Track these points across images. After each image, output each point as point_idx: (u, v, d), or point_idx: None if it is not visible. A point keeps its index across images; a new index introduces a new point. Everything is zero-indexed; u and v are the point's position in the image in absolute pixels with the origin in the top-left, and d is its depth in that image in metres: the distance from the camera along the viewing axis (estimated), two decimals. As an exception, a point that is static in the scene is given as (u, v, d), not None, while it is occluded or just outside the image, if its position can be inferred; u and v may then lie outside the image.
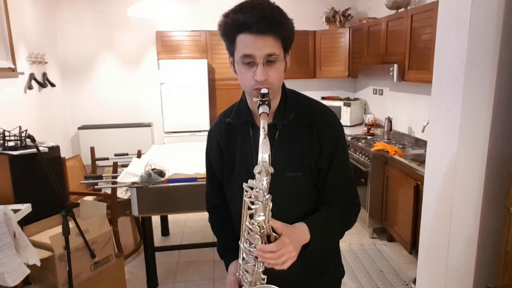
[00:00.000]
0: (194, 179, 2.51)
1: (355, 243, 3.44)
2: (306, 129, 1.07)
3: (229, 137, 1.14)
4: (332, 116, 1.11)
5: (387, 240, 3.47)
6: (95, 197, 3.29)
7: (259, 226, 0.93)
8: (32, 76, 3.90)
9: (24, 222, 2.29)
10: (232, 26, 0.97)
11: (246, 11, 0.93)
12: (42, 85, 4.14)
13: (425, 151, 1.83)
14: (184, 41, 4.80)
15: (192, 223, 3.99)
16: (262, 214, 0.92)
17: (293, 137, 1.07)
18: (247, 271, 1.01)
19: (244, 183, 0.94)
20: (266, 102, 0.95)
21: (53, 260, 2.15)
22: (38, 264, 2.03)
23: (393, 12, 3.73)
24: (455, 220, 1.61)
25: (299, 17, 5.17)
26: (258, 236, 0.94)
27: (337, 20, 4.82)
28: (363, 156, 3.58)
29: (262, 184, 0.91)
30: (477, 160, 1.55)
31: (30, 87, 3.84)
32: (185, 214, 4.16)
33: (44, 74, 4.23)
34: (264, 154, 0.91)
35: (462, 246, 1.62)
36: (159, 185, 2.48)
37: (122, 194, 3.37)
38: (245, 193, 0.95)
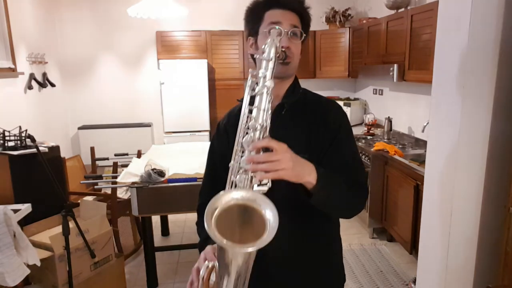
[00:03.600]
0: (194, 179, 2.51)
1: (355, 243, 3.44)
2: (312, 113, 1.10)
3: (236, 123, 1.06)
4: (337, 105, 1.15)
5: (387, 240, 3.47)
6: (95, 197, 3.29)
7: (258, 121, 0.86)
8: (32, 76, 3.90)
9: (24, 222, 2.29)
10: (263, 5, 1.07)
11: None
12: (42, 85, 4.14)
13: (425, 151, 1.83)
14: (184, 41, 4.80)
15: (192, 223, 3.99)
16: (263, 104, 0.87)
17: (300, 119, 1.09)
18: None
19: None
20: (284, 56, 1.00)
21: (53, 260, 2.15)
22: (38, 264, 2.03)
23: (393, 12, 3.72)
24: (455, 220, 1.61)
25: (299, 17, 5.17)
26: (254, 134, 0.85)
27: (337, 20, 4.82)
28: (363, 156, 3.58)
29: (269, 65, 0.90)
30: (477, 160, 1.55)
31: (30, 87, 3.84)
32: (185, 214, 4.15)
33: (44, 74, 4.23)
34: (273, 36, 0.94)
35: (462, 246, 1.62)
36: (159, 185, 2.48)
37: (122, 194, 3.37)
38: (249, 77, 0.93)
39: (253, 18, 1.09)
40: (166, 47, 4.80)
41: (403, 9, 3.63)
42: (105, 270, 2.44)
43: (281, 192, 0.87)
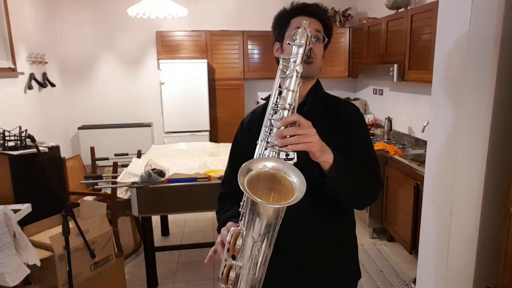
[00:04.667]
0: (194, 179, 2.51)
1: (355, 243, 3.44)
2: (332, 112, 1.17)
3: (260, 120, 1.12)
4: (354, 106, 1.23)
5: (387, 240, 3.47)
6: (95, 197, 3.29)
7: (288, 101, 0.91)
8: (32, 76, 3.90)
9: (24, 222, 2.29)
10: (290, 10, 1.16)
11: (302, 3, 1.17)
12: (42, 85, 4.14)
13: (425, 151, 1.83)
14: (184, 41, 4.80)
15: (192, 223, 3.99)
16: (292, 86, 0.93)
17: (321, 116, 1.14)
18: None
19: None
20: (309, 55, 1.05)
21: (53, 260, 2.15)
22: (38, 264, 2.03)
23: (393, 12, 3.73)
24: (455, 220, 1.61)
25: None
26: (284, 112, 0.91)
27: (337, 20, 4.82)
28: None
29: (299, 51, 0.95)
30: (477, 160, 1.55)
31: (30, 87, 3.84)
32: (185, 214, 4.16)
33: (44, 74, 4.23)
34: (305, 24, 0.98)
35: (462, 246, 1.62)
36: (159, 185, 2.48)
37: (122, 194, 3.36)
38: (281, 62, 1.00)
39: (280, 24, 1.17)
40: (166, 47, 4.80)
41: (403, 9, 3.63)
42: (105, 270, 2.44)
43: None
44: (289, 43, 1.01)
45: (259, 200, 0.81)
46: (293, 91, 0.92)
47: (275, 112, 0.94)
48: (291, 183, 0.85)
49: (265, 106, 1.16)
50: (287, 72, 0.94)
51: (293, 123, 0.90)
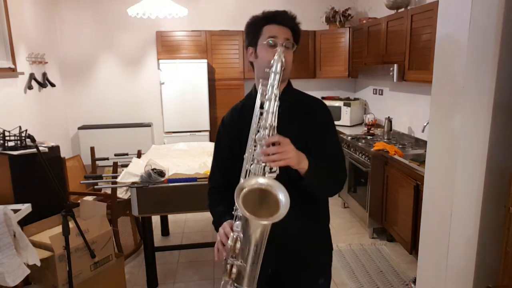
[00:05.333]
0: (194, 179, 2.51)
1: (355, 243, 3.44)
2: (303, 113, 1.32)
3: (239, 117, 1.36)
4: (323, 104, 1.38)
5: (387, 240, 3.47)
6: (95, 197, 3.29)
7: (268, 122, 1.09)
8: (32, 76, 3.90)
9: (24, 222, 2.29)
10: (262, 18, 1.28)
11: (273, 11, 1.29)
12: (42, 85, 4.15)
13: (425, 151, 1.83)
14: (184, 41, 4.80)
15: (192, 223, 3.99)
16: (272, 108, 1.10)
17: (292, 118, 1.29)
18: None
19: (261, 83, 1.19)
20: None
21: (53, 260, 2.15)
22: (38, 264, 2.03)
23: (393, 12, 3.73)
24: (455, 220, 1.61)
25: (299, 17, 5.14)
26: (265, 132, 1.09)
27: (337, 20, 4.82)
28: (363, 156, 3.58)
29: (276, 77, 1.12)
30: (477, 160, 1.55)
31: (30, 87, 3.84)
32: (185, 214, 4.16)
33: (44, 74, 4.23)
34: (280, 53, 1.17)
35: (462, 246, 1.62)
36: (159, 185, 2.48)
37: (122, 194, 3.36)
38: (260, 86, 1.17)
39: (253, 30, 1.29)
40: (166, 47, 4.80)
41: (403, 9, 3.63)
42: (105, 270, 2.44)
43: (282, 177, 1.11)
44: (267, 70, 1.17)
45: (253, 217, 1.00)
46: (272, 113, 1.10)
47: (258, 131, 1.12)
48: (278, 199, 1.05)
49: (243, 104, 1.38)
50: (267, 97, 1.12)
51: (274, 142, 1.08)
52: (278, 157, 1.07)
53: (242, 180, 1.12)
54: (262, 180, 1.08)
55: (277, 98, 1.11)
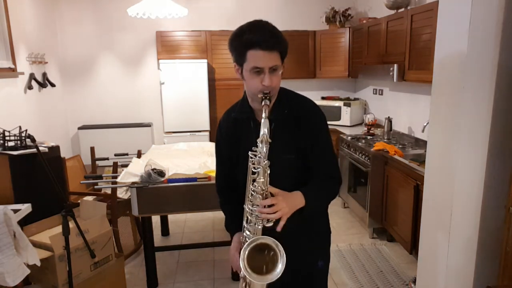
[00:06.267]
0: (194, 179, 2.51)
1: (355, 243, 3.44)
2: (296, 122, 1.33)
3: (235, 129, 1.41)
4: (316, 111, 1.37)
5: (387, 240, 3.47)
6: (95, 197, 3.29)
7: (260, 188, 1.19)
8: (32, 76, 3.90)
9: (24, 222, 2.29)
10: (245, 44, 1.20)
11: (255, 31, 1.19)
12: (42, 85, 4.15)
13: (425, 151, 1.83)
14: (184, 41, 4.80)
15: (192, 223, 3.99)
16: (262, 177, 1.19)
17: (286, 128, 1.33)
18: (249, 231, 1.26)
19: (250, 151, 1.21)
20: (268, 97, 1.24)
21: (53, 260, 2.15)
22: (38, 264, 2.03)
23: (393, 12, 3.72)
24: (455, 220, 1.61)
25: (299, 17, 5.17)
26: (259, 196, 1.20)
27: (337, 20, 4.82)
28: (363, 156, 3.58)
29: (263, 150, 1.18)
30: (477, 160, 1.55)
31: (30, 87, 3.84)
32: (185, 214, 4.16)
33: (44, 74, 4.23)
34: (264, 129, 1.19)
35: (462, 246, 1.62)
36: (159, 185, 2.48)
37: (122, 194, 3.36)
38: (250, 159, 1.22)
39: (237, 52, 1.24)
40: (166, 47, 4.80)
41: (403, 9, 3.63)
42: (105, 270, 2.44)
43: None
44: (257, 142, 1.22)
45: (254, 276, 1.17)
46: (263, 181, 1.20)
47: (252, 195, 1.23)
48: (278, 255, 1.20)
49: (236, 119, 1.40)
50: (257, 168, 1.20)
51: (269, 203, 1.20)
52: (273, 216, 1.19)
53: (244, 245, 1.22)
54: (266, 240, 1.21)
55: (267, 168, 1.19)
